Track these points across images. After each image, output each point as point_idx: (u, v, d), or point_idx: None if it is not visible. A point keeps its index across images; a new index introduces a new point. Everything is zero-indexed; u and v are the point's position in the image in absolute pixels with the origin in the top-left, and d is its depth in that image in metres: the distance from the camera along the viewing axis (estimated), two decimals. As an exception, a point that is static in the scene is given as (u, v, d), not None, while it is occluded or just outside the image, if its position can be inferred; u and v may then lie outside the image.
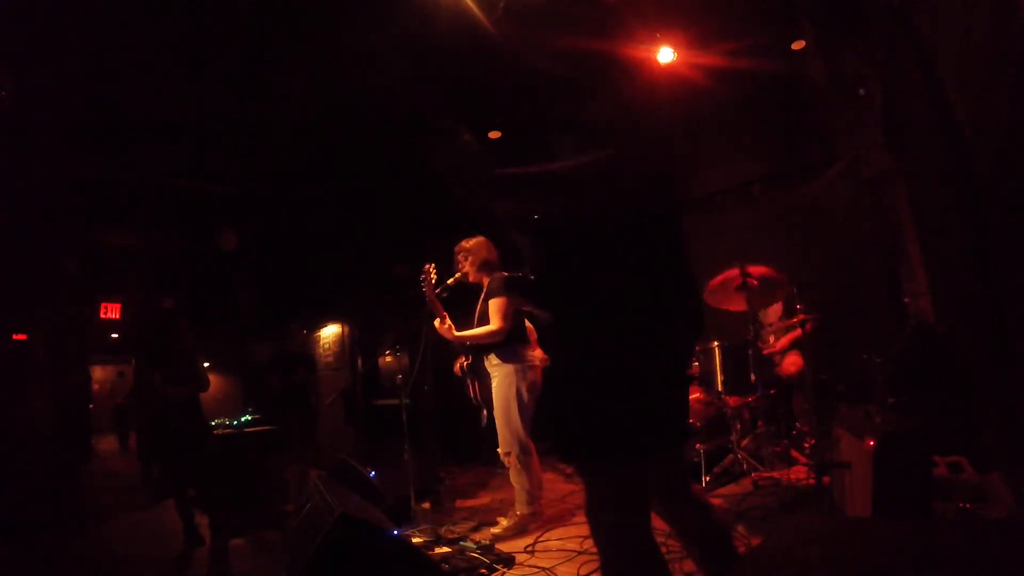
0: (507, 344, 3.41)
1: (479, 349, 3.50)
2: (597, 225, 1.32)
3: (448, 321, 3.49)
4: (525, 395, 3.36)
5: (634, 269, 1.33)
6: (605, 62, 1.34)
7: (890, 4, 3.54)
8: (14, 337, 5.10)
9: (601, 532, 1.37)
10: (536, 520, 3.35)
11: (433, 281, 3.46)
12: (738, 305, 3.93)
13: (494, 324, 3.37)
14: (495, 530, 3.32)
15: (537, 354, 3.57)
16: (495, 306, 3.41)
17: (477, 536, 3.28)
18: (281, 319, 6.98)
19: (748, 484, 3.61)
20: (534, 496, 3.36)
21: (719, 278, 3.91)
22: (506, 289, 3.39)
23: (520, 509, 3.35)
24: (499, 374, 3.42)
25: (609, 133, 1.31)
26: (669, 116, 1.46)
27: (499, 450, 3.42)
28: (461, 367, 3.65)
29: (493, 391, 3.43)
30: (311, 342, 8.66)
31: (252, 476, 4.74)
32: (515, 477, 3.37)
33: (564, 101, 1.39)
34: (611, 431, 1.31)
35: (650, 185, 1.37)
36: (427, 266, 3.47)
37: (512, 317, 3.41)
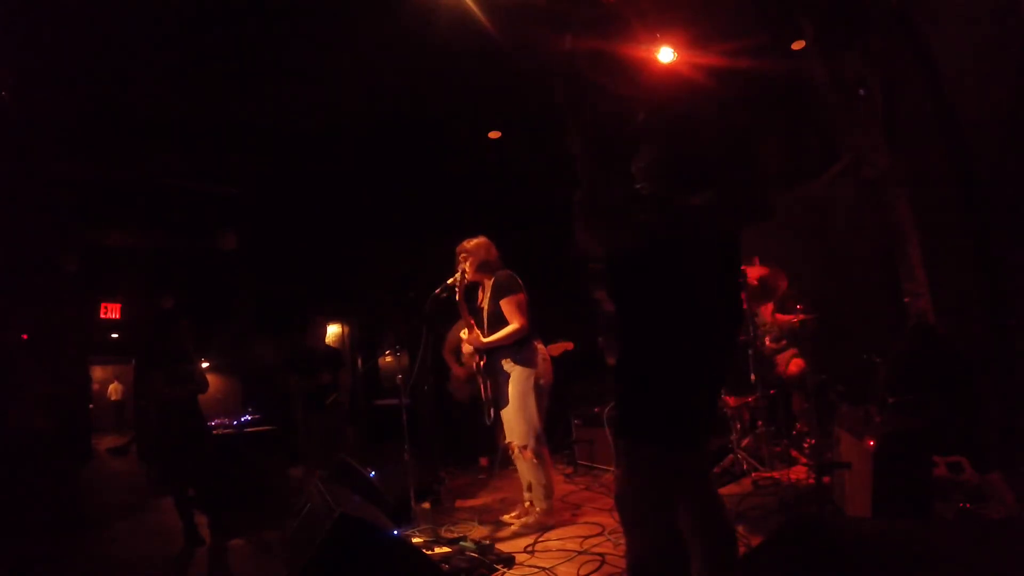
0: (524, 340, 3.39)
1: (496, 349, 3.44)
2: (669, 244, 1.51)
3: (476, 330, 3.45)
4: (542, 387, 3.36)
5: (698, 278, 1.52)
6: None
7: (890, 4, 3.54)
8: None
9: (630, 516, 1.46)
10: (551, 515, 3.34)
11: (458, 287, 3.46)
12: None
13: (517, 322, 3.33)
14: (516, 528, 3.30)
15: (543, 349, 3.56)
16: (513, 304, 3.37)
17: (495, 536, 3.26)
18: (281, 319, 6.96)
19: (748, 484, 3.61)
20: (550, 490, 3.33)
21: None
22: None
23: (538, 505, 3.32)
24: (516, 369, 3.37)
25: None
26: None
27: (514, 443, 3.36)
28: (476, 366, 3.58)
29: (510, 386, 3.37)
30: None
31: (252, 476, 4.73)
32: (532, 472, 3.32)
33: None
34: (665, 418, 1.43)
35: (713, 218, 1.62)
36: (457, 269, 3.47)
37: (527, 312, 3.39)
